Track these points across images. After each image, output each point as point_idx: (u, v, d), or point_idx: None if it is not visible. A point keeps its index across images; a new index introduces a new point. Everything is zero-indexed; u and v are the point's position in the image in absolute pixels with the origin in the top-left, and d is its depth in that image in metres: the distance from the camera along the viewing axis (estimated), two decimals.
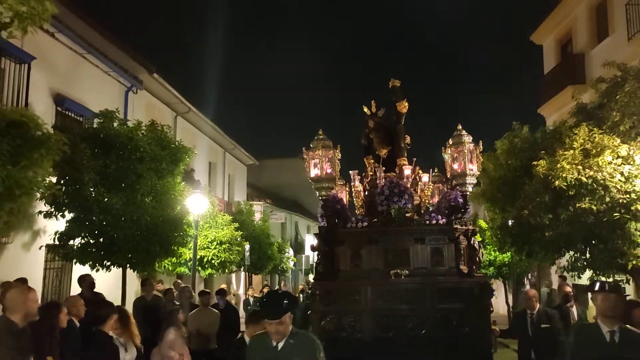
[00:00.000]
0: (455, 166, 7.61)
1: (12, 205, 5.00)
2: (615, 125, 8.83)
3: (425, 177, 8.65)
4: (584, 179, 7.88)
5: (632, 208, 7.63)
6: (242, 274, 23.95)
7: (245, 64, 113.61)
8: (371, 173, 8.55)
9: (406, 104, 8.61)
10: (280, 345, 3.79)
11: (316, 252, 8.20)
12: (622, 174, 7.91)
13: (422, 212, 8.14)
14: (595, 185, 7.91)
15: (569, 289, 10.94)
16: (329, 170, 7.57)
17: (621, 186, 7.80)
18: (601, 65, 10.56)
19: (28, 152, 5.15)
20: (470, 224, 8.24)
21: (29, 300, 4.28)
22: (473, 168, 7.60)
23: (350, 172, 8.67)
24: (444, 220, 7.60)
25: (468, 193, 7.73)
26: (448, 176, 8.01)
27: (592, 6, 17.18)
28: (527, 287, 21.07)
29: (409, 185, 7.90)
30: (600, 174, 7.92)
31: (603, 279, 9.49)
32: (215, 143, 22.53)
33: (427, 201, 8.56)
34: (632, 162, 8.03)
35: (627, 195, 7.74)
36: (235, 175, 26.04)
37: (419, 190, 8.40)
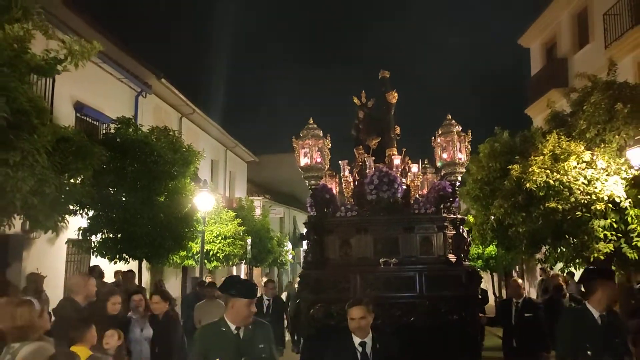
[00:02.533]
0: (445, 155, 7.58)
1: (63, 208, 6.02)
2: (582, 132, 9.86)
3: (414, 168, 8.62)
4: (551, 181, 8.88)
5: (592, 208, 8.62)
6: (243, 266, 24.98)
7: (242, 60, 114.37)
8: (360, 163, 8.51)
9: (395, 94, 8.62)
10: (242, 332, 3.86)
11: (305, 242, 8.17)
12: (585, 177, 8.92)
13: (412, 201, 8.02)
14: (561, 187, 8.91)
15: (560, 280, 11.89)
16: (318, 160, 7.50)
17: (583, 188, 8.80)
18: (574, 76, 11.60)
19: (74, 163, 6.14)
20: (458, 213, 8.29)
21: (89, 285, 5.33)
22: (462, 157, 7.56)
23: (340, 162, 8.61)
24: (432, 209, 7.61)
25: (457, 182, 7.77)
26: (437, 165, 8.01)
27: (574, 14, 18.18)
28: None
29: (398, 175, 7.86)
30: (565, 177, 8.91)
31: (572, 269, 10.63)
32: (217, 142, 23.54)
33: (416, 191, 8.49)
34: (594, 167, 9.04)
35: (589, 196, 8.74)
36: (236, 172, 27.04)
37: (408, 181, 8.33)
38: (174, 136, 11.21)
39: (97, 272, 9.86)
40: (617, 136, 9.24)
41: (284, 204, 34.21)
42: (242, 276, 25.97)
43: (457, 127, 7.60)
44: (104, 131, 11.53)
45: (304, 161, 7.54)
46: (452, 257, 7.52)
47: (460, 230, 7.75)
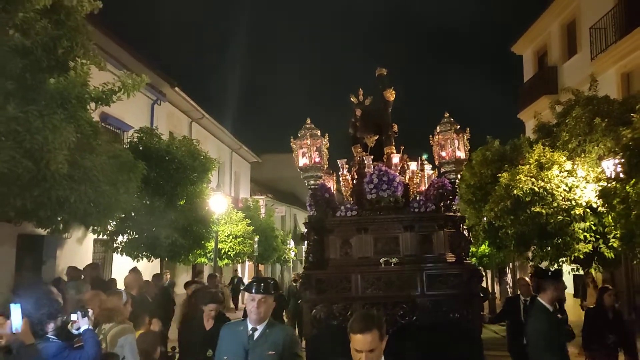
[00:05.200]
0: (443, 154, 7.49)
1: (113, 215, 7.02)
2: (565, 143, 10.89)
3: (413, 165, 8.55)
4: (536, 188, 9.94)
5: (572, 212, 9.68)
6: (247, 263, 25.97)
7: (242, 58, 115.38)
8: (358, 161, 8.43)
9: (393, 92, 8.54)
10: (257, 334, 3.69)
11: (306, 242, 8.03)
12: (566, 184, 9.97)
13: (411, 199, 7.95)
14: (545, 194, 9.96)
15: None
16: (317, 159, 7.39)
17: (565, 195, 9.86)
18: (561, 89, 12.63)
19: (121, 176, 7.15)
20: (458, 211, 8.36)
21: (139, 280, 6.36)
22: (461, 155, 7.48)
23: (339, 161, 8.50)
24: (432, 207, 7.55)
25: (457, 180, 7.75)
26: (436, 164, 7.91)
27: (563, 25, 19.16)
28: (509, 276, 23.26)
29: (397, 174, 7.82)
30: (549, 184, 9.97)
31: (556, 266, 11.66)
32: (224, 144, 24.53)
33: (415, 189, 8.40)
34: (575, 175, 10.09)
35: (569, 202, 9.80)
36: (240, 173, 28.03)
37: (407, 179, 8.27)
38: (193, 144, 12.19)
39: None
40: (596, 147, 10.26)
41: (285, 203, 35.18)
42: (245, 273, 26.97)
43: (455, 124, 7.53)
44: (128, 139, 12.47)
45: (302, 161, 7.44)
46: (452, 256, 7.50)
47: (461, 229, 7.72)
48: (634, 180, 7.19)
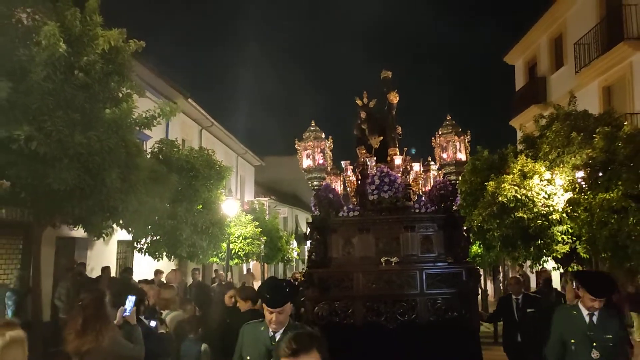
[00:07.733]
0: (444, 155, 7.65)
1: (149, 221, 8.20)
2: (546, 154, 12.10)
3: (416, 166, 8.73)
4: (518, 195, 11.12)
5: (550, 217, 10.88)
6: (251, 263, 27.05)
7: (241, 58, 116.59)
8: (362, 163, 8.57)
9: (397, 94, 8.77)
10: (278, 336, 3.70)
11: (309, 241, 8.13)
12: (545, 192, 11.16)
13: (413, 200, 8.05)
14: (527, 200, 11.16)
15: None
16: (320, 161, 7.56)
17: (544, 201, 11.05)
18: (547, 101, 13.81)
19: (156, 188, 8.34)
20: (458, 212, 8.54)
21: (179, 277, 7.55)
22: (462, 157, 7.63)
23: (342, 162, 8.76)
24: (433, 208, 7.72)
25: (458, 181, 7.88)
26: (437, 165, 8.13)
27: (551, 39, 20.38)
28: (501, 274, 24.42)
29: (399, 175, 7.97)
30: (530, 192, 11.16)
31: (539, 267, 12.86)
32: (230, 149, 25.72)
33: (418, 190, 8.57)
34: (553, 184, 11.29)
35: (548, 208, 10.99)
36: (245, 176, 29.23)
37: (410, 179, 8.38)
38: (208, 155, 13.39)
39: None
40: (573, 158, 11.46)
41: (287, 204, 36.31)
42: (244, 271, 28.04)
43: (456, 127, 7.69)
44: (149, 150, 13.66)
45: (306, 163, 7.60)
46: (451, 256, 7.58)
47: (460, 229, 7.80)
48: (595, 192, 8.36)
